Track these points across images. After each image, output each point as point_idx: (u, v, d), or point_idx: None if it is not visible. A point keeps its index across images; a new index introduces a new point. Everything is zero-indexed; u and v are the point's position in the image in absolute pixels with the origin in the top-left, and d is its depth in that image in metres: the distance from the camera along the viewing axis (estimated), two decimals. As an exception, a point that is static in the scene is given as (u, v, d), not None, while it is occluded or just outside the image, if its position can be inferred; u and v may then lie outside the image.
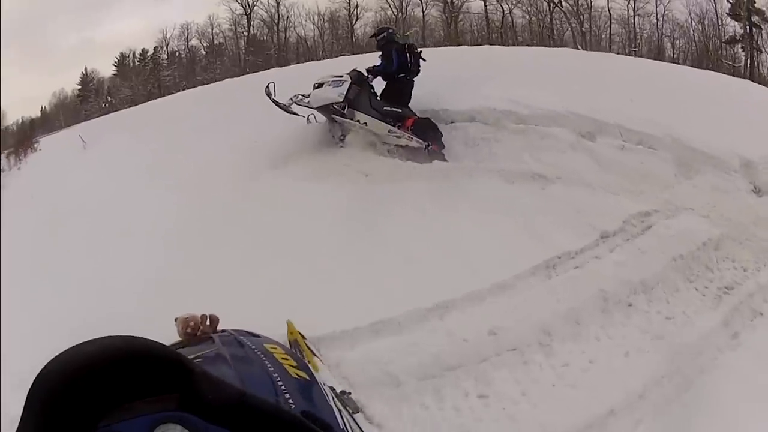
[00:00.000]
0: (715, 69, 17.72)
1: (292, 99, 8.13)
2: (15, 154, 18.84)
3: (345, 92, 7.85)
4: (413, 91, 8.46)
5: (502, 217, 6.16)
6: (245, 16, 23.92)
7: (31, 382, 0.72)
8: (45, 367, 0.72)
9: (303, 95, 8.15)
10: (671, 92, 9.19)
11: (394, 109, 7.99)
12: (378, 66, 8.30)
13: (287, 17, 23.83)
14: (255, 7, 23.86)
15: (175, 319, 1.49)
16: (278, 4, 23.77)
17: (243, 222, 6.76)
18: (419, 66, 8.31)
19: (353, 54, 18.19)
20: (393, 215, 6.47)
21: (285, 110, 8.11)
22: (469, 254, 5.55)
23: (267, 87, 8.01)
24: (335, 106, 7.92)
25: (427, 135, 7.82)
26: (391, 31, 8.61)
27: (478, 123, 8.20)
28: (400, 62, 8.12)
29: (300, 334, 3.14)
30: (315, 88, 8.08)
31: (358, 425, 1.56)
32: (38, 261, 7.10)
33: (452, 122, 8.35)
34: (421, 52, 8.38)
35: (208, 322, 1.46)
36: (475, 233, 5.95)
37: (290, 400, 1.09)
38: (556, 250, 5.56)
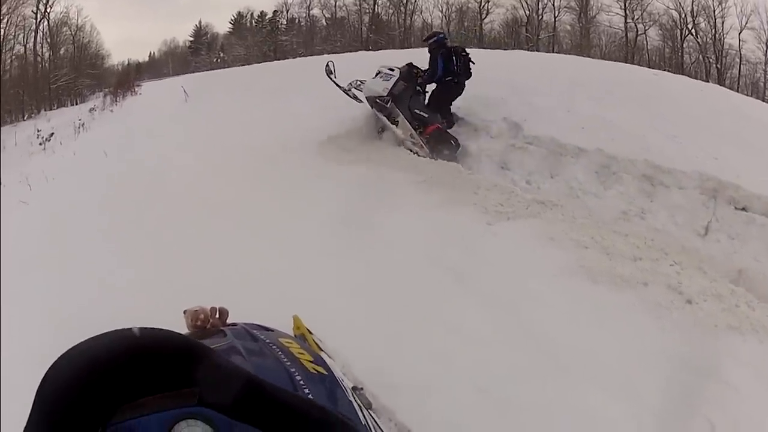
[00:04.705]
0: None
1: (351, 84, 8.19)
2: (113, 94, 19.00)
3: (390, 87, 7.70)
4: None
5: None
6: (372, -8, 23.73)
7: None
8: (53, 363, 0.68)
9: (360, 81, 8.15)
10: None
11: (422, 114, 7.72)
12: (426, 74, 8.02)
13: (415, 1, 23.43)
14: (383, -14, 23.58)
15: (184, 312, 1.33)
16: (408, -14, 23.49)
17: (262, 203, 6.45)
18: (469, 68, 7.92)
19: (481, 48, 17.37)
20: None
21: (345, 93, 8.18)
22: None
23: (327, 65, 8.25)
24: (379, 100, 7.77)
25: (439, 146, 7.49)
26: (441, 35, 8.31)
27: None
28: (445, 67, 7.77)
29: (307, 329, 2.89)
30: (375, 76, 8.06)
31: (375, 421, 1.42)
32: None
33: (744, 209, 6.02)
34: (468, 54, 8.05)
35: (217, 315, 1.34)
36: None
37: (310, 396, 1.04)
38: None
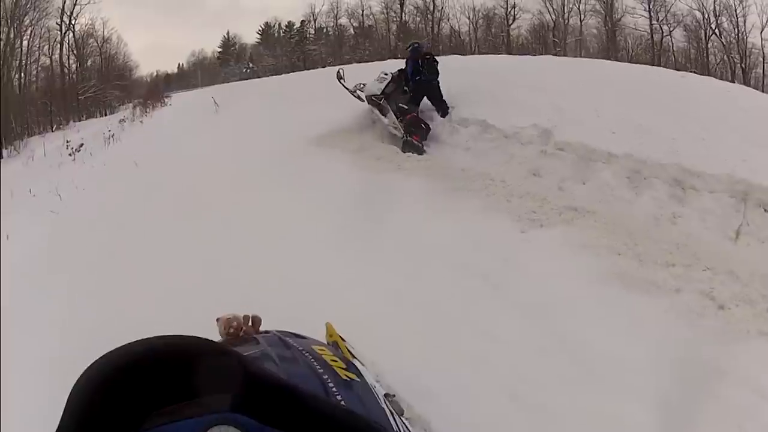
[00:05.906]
0: None
1: (356, 86, 9.77)
2: (143, 105, 19.25)
3: (383, 87, 9.29)
4: None
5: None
6: (398, 1, 23.63)
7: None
8: (86, 369, 0.69)
9: (363, 84, 9.74)
10: None
11: (404, 106, 9.18)
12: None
13: (442, 8, 23.53)
14: (410, -6, 23.73)
15: (217, 320, 1.39)
16: (434, -7, 23.63)
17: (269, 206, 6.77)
18: (434, 69, 9.35)
19: (509, 54, 17.32)
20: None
21: (351, 93, 9.76)
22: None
23: (338, 72, 9.84)
24: (374, 98, 9.35)
25: (415, 129, 8.90)
26: (416, 45, 10.09)
27: None
28: (413, 69, 9.41)
29: (340, 336, 2.73)
30: (375, 79, 9.64)
31: (408, 428, 1.43)
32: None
33: None
34: (431, 56, 9.65)
35: (250, 323, 1.39)
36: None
37: (342, 402, 1.06)
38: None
